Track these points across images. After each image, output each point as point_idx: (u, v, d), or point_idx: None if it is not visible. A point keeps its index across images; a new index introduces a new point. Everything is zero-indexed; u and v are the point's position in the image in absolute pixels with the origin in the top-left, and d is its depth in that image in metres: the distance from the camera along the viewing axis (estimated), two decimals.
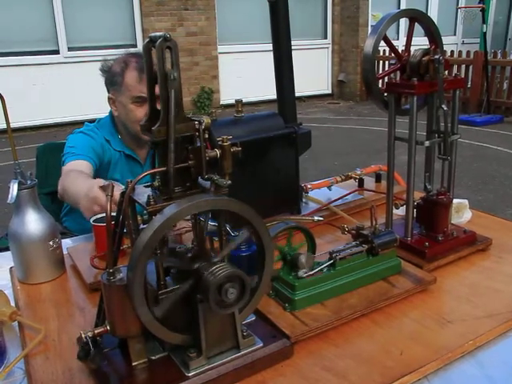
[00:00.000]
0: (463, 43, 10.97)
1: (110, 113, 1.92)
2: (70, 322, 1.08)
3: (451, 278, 1.20)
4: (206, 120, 0.84)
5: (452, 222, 1.35)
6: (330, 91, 10.22)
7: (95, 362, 0.85)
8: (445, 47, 1.28)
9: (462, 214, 1.47)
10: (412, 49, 1.27)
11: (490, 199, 4.39)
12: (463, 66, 8.14)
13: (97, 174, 1.73)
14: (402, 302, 1.09)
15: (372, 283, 1.12)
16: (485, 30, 7.72)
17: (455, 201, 1.40)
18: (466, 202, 1.50)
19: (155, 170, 0.85)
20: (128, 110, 1.80)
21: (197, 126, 0.84)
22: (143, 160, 1.96)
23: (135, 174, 1.87)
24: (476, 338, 0.96)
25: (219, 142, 0.86)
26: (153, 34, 0.80)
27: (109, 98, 1.87)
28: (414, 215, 1.32)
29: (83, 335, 0.85)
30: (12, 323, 1.06)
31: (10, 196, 1.16)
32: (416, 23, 1.29)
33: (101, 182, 1.36)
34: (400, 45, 1.23)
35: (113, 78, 1.81)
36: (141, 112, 1.77)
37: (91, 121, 1.96)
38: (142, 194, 0.85)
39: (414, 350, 0.93)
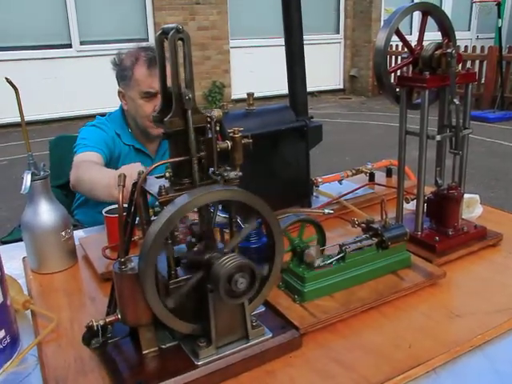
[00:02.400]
0: (477, 38, 10.86)
1: (121, 106, 1.93)
2: (82, 311, 1.10)
3: (461, 272, 1.20)
4: (218, 113, 0.85)
5: (463, 216, 1.34)
6: (341, 86, 10.18)
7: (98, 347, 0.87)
8: (459, 42, 1.27)
9: (472, 208, 1.46)
10: (425, 44, 1.26)
11: (502, 196, 4.36)
12: (477, 62, 8.06)
13: (107, 167, 1.75)
14: (411, 295, 1.09)
15: (381, 276, 1.12)
16: (500, 25, 7.63)
17: (466, 196, 1.40)
18: (476, 197, 1.49)
19: (170, 161, 0.85)
20: (137, 105, 1.82)
21: (208, 119, 0.85)
22: (153, 154, 1.97)
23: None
24: (485, 332, 0.96)
25: (230, 134, 0.86)
26: (165, 26, 0.81)
27: (119, 92, 1.88)
28: (425, 209, 1.32)
29: (94, 323, 0.86)
30: (25, 311, 1.08)
31: (23, 186, 1.18)
32: (429, 17, 1.28)
33: (139, 165, 1.42)
34: (413, 40, 1.23)
35: (123, 72, 1.83)
36: (149, 107, 1.80)
37: (102, 114, 1.98)
38: (154, 184, 0.85)
39: (422, 343, 0.94)
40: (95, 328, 0.86)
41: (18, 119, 1.17)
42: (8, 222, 3.68)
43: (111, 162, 1.83)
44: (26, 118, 1.17)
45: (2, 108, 7.05)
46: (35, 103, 6.95)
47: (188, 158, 0.84)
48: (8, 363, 0.92)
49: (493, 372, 0.88)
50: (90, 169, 1.61)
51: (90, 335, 0.89)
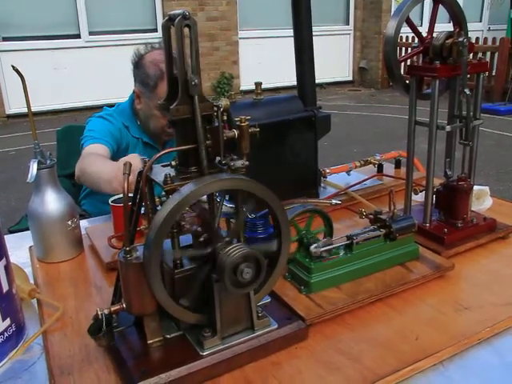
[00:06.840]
0: (489, 30, 10.72)
1: (130, 99, 1.91)
2: (88, 301, 1.10)
3: (470, 264, 1.18)
4: (225, 102, 0.84)
5: (472, 208, 1.33)
6: (351, 78, 10.12)
7: (105, 339, 0.86)
8: (470, 34, 1.25)
9: (482, 200, 1.45)
10: (435, 34, 1.24)
11: None
12: (488, 54, 7.96)
13: (114, 159, 1.74)
14: (418, 287, 1.08)
15: (389, 268, 1.11)
16: None
17: (476, 187, 1.38)
18: (486, 188, 1.47)
19: (176, 149, 0.84)
20: (153, 115, 1.82)
21: (215, 108, 0.84)
22: (161, 147, 1.96)
23: None
24: (494, 325, 0.94)
25: (237, 123, 0.85)
26: (172, 12, 0.80)
27: (134, 91, 1.86)
28: (434, 201, 1.30)
29: (99, 312, 0.86)
30: (31, 300, 1.08)
31: (29, 175, 1.17)
32: (440, 5, 1.26)
33: (136, 156, 1.41)
34: (423, 32, 1.21)
35: (144, 79, 1.79)
36: (164, 120, 1.79)
37: (111, 105, 1.96)
38: (160, 173, 0.85)
39: (429, 335, 0.93)
40: (100, 317, 0.86)
41: (26, 109, 1.16)
42: (16, 211, 3.69)
43: (119, 154, 1.82)
44: (35, 109, 1.17)
45: (11, 99, 7.10)
46: (43, 93, 6.97)
47: (194, 147, 0.83)
48: (13, 351, 0.92)
49: (501, 365, 0.87)
50: (94, 162, 1.60)
51: (96, 327, 0.88)
